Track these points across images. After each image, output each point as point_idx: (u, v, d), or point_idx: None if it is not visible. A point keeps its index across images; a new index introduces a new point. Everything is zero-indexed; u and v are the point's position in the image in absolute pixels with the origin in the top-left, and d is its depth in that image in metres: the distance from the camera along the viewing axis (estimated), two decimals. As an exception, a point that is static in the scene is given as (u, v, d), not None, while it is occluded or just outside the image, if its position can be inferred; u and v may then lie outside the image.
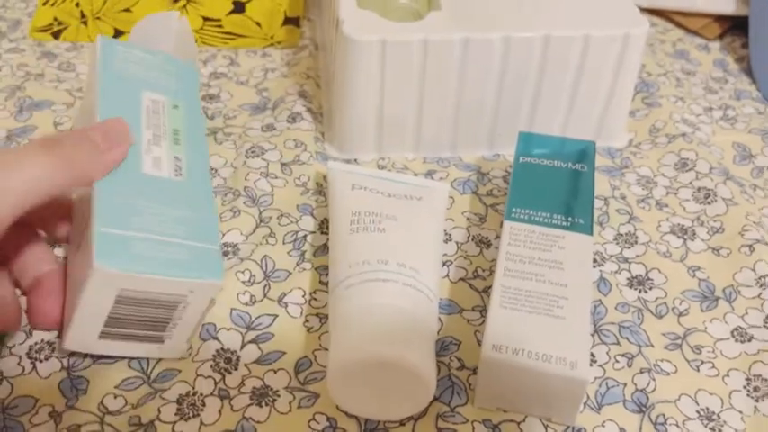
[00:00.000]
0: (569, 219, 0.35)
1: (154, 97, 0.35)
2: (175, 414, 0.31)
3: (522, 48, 0.42)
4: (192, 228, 0.31)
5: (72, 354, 0.33)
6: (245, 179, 0.42)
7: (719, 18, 0.59)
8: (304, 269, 0.38)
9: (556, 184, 0.37)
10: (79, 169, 0.29)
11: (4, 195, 0.27)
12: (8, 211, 0.27)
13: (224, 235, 0.39)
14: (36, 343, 0.33)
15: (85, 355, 0.33)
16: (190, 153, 0.34)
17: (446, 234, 0.41)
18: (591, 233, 0.35)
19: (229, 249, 0.39)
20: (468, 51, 0.41)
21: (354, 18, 0.42)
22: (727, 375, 0.34)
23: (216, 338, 0.34)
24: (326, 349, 0.34)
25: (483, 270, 0.39)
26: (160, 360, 0.33)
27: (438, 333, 0.35)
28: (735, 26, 0.59)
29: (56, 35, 0.54)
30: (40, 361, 0.33)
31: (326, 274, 0.37)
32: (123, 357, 0.33)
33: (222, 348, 0.34)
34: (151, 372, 0.33)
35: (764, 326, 0.36)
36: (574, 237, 0.34)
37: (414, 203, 0.37)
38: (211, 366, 0.33)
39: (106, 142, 0.31)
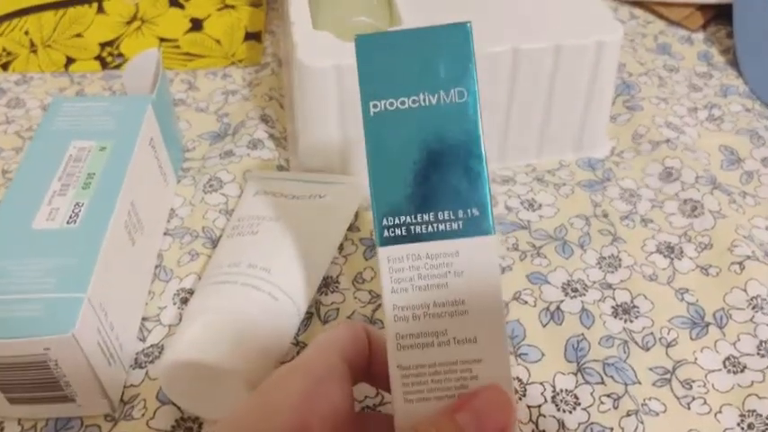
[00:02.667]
0: (460, 213, 0.25)
1: (81, 144, 0.36)
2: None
3: (489, 63, 0.39)
4: (65, 277, 0.30)
5: (19, 433, 0.31)
6: (204, 218, 0.40)
7: (702, 7, 0.56)
8: (268, 317, 0.36)
9: (430, 144, 0.25)
10: None
11: None
12: None
13: (181, 280, 0.37)
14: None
15: (32, 435, 0.31)
16: (97, 197, 0.33)
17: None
18: (491, 230, 0.25)
19: (187, 296, 0.36)
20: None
21: (309, 42, 0.39)
22: (720, 412, 0.32)
23: (174, 403, 0.32)
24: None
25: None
26: (113, 428, 0.31)
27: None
28: (719, 15, 0.56)
29: (4, 66, 0.51)
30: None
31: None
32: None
33: (182, 418, 0.32)
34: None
35: (758, 353, 0.34)
36: (470, 247, 0.25)
37: (313, 202, 0.37)
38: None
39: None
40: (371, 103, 0.25)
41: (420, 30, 0.25)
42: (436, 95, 0.25)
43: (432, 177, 0.25)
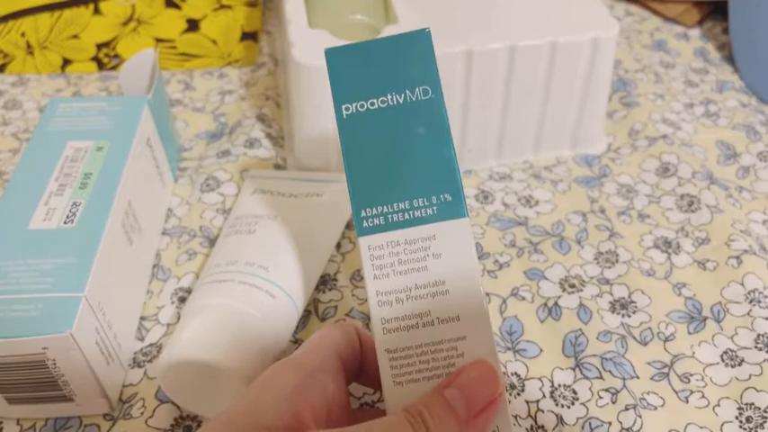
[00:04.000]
0: (434, 199, 0.27)
1: (78, 145, 0.36)
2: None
3: (486, 60, 0.39)
4: (62, 277, 0.30)
5: (18, 433, 0.31)
6: (201, 217, 0.40)
7: (698, 3, 0.56)
8: (266, 315, 0.36)
9: (401, 139, 0.27)
10: None
11: None
12: None
13: (179, 279, 0.37)
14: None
15: (31, 434, 0.31)
16: (94, 197, 0.33)
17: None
18: (464, 213, 0.27)
19: (185, 295, 0.36)
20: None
21: (305, 40, 0.39)
22: (718, 405, 0.32)
23: (172, 402, 0.32)
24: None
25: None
26: (112, 427, 0.31)
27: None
28: (714, 11, 0.56)
29: (1, 68, 0.51)
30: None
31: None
32: (72, 433, 0.31)
33: (181, 416, 0.32)
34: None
35: (755, 347, 0.34)
36: (446, 230, 0.27)
37: (310, 200, 0.37)
38: (168, 438, 0.31)
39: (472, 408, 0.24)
40: (343, 107, 0.27)
41: (384, 39, 0.27)
42: (403, 95, 0.27)
43: (404, 169, 0.27)
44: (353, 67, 0.27)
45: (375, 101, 0.27)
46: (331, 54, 0.27)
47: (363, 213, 0.27)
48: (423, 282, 0.26)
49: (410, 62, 0.27)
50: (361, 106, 0.27)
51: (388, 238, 0.27)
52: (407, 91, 0.27)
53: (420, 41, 0.27)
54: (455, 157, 0.27)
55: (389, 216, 0.27)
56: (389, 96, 0.27)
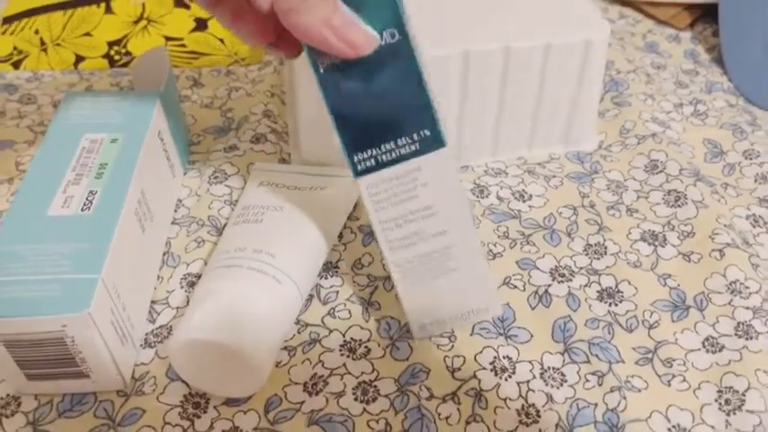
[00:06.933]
0: (415, 136, 0.31)
1: (93, 137, 0.38)
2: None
3: (482, 61, 0.41)
4: (80, 260, 0.32)
5: (37, 408, 0.33)
6: (209, 207, 0.42)
7: (690, 6, 0.58)
8: (271, 301, 0.38)
9: (377, 84, 0.30)
10: None
11: None
12: None
13: (188, 265, 0.39)
14: (1, 398, 0.33)
15: (51, 410, 0.33)
16: (109, 186, 0.35)
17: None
18: (443, 143, 0.31)
19: (194, 280, 0.38)
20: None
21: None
22: (699, 389, 0.34)
23: (183, 380, 0.34)
24: (297, 383, 0.34)
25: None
26: (125, 403, 0.33)
27: (345, 335, 0.36)
28: (705, 14, 0.58)
29: (16, 65, 0.53)
30: (6, 417, 0.33)
31: (293, 306, 0.37)
32: (89, 409, 0.33)
33: (190, 393, 0.34)
34: (116, 415, 0.33)
35: (735, 335, 0.36)
36: (429, 161, 0.31)
37: (314, 193, 0.39)
38: (179, 414, 0.33)
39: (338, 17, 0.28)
40: (319, 62, 0.30)
41: None
42: None
43: (385, 112, 0.30)
44: None
45: None
46: None
47: (356, 158, 0.31)
48: (415, 207, 0.32)
49: (375, 8, 0.29)
50: (336, 57, 0.29)
51: (382, 177, 0.31)
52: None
53: None
54: (430, 94, 0.30)
55: (379, 157, 0.31)
56: None
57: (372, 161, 0.31)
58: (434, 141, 0.31)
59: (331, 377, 0.34)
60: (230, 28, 0.32)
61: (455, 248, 0.33)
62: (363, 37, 0.29)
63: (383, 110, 0.30)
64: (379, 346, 0.35)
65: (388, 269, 0.33)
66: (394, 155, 0.31)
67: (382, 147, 0.31)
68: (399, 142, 0.31)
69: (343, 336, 0.36)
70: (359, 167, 0.31)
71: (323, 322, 0.36)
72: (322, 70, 0.30)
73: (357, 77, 0.30)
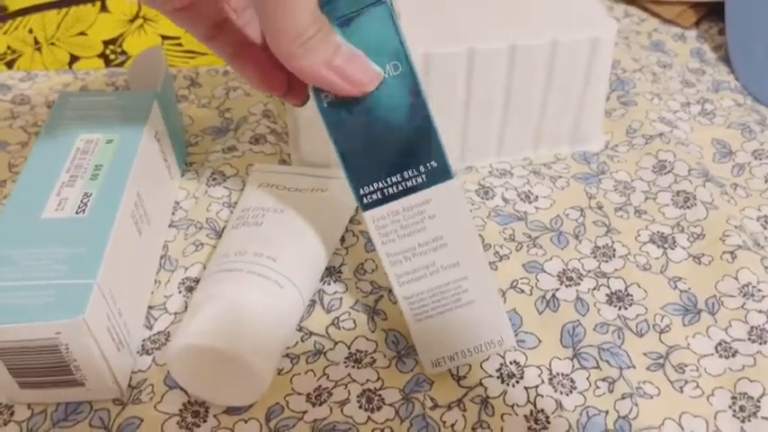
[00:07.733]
0: (422, 168, 0.30)
1: (89, 137, 0.37)
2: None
3: (487, 59, 0.40)
4: (75, 264, 0.31)
5: (30, 417, 0.32)
6: (207, 210, 0.41)
7: (695, 5, 0.57)
8: (271, 306, 0.37)
9: (382, 117, 0.29)
10: None
11: None
12: None
13: (186, 270, 0.38)
14: (-7, 406, 0.32)
15: (44, 419, 0.32)
16: (105, 188, 0.34)
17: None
18: (451, 175, 0.30)
19: (193, 284, 0.37)
20: (430, 66, 0.40)
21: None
22: (712, 395, 0.33)
23: (182, 388, 0.33)
24: (299, 393, 0.33)
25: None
26: (121, 411, 0.32)
27: (349, 347, 0.35)
28: (711, 12, 0.57)
29: (9, 64, 0.52)
30: (-2, 426, 0.32)
31: (294, 311, 0.36)
32: (84, 418, 0.32)
33: (189, 402, 0.33)
34: (112, 425, 0.32)
35: (749, 339, 0.35)
36: (437, 193, 0.30)
37: (315, 195, 0.38)
38: (178, 423, 0.32)
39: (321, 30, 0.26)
40: (322, 95, 0.29)
41: (350, 26, 0.28)
42: None
43: (391, 144, 0.29)
44: None
45: None
46: None
47: (362, 191, 0.30)
48: (424, 240, 0.31)
49: (376, 41, 0.28)
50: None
51: (389, 210, 0.30)
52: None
53: (380, 19, 0.28)
54: (435, 125, 0.29)
55: (386, 190, 0.30)
56: None
57: (379, 194, 0.30)
58: (442, 173, 0.30)
59: (335, 388, 0.33)
60: (233, 67, 0.32)
61: (467, 281, 0.31)
62: (367, 75, 0.28)
63: (388, 142, 0.29)
64: (384, 357, 0.34)
65: (399, 305, 0.32)
66: (401, 187, 0.30)
67: (389, 180, 0.30)
68: (406, 175, 0.30)
69: (349, 348, 0.35)
70: (365, 200, 0.30)
71: (327, 333, 0.35)
72: (325, 104, 0.29)
73: (361, 111, 0.29)
